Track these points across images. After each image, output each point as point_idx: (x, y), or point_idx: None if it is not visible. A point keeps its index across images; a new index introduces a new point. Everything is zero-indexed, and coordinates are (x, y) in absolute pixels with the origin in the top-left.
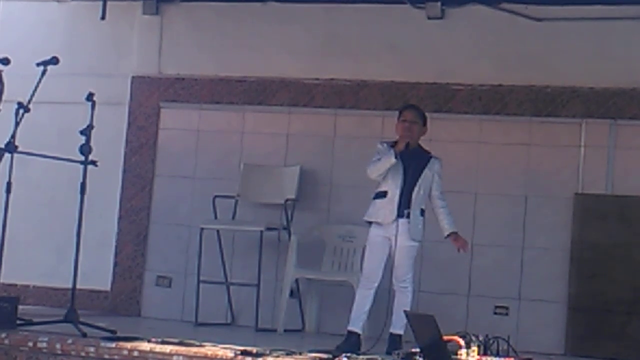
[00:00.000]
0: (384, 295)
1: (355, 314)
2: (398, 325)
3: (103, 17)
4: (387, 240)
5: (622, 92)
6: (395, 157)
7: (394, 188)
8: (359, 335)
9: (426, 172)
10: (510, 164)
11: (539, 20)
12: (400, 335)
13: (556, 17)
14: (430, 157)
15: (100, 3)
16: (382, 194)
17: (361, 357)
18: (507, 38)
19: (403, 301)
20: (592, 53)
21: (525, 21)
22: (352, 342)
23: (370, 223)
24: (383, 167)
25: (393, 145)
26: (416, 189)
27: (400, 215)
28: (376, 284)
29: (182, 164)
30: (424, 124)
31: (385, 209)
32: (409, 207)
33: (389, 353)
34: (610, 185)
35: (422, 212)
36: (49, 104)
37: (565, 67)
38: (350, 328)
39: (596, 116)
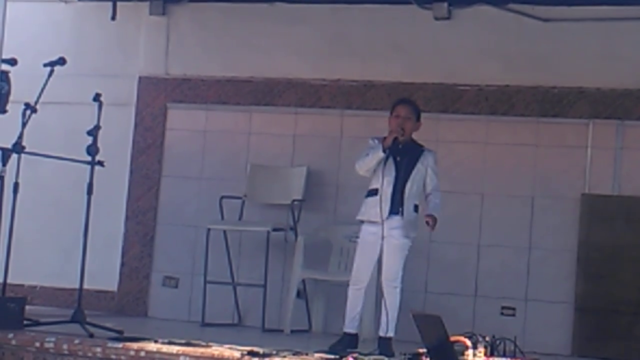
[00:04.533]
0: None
1: (349, 315)
2: (389, 328)
3: (113, 18)
4: (380, 239)
5: (629, 93)
6: (384, 152)
7: (385, 185)
8: (354, 335)
9: (419, 166)
10: (517, 164)
11: (545, 20)
12: (391, 339)
13: (563, 18)
14: (423, 150)
15: (108, 4)
16: (374, 192)
17: (368, 357)
18: (514, 39)
19: (393, 303)
20: (599, 54)
21: (532, 22)
22: (346, 342)
23: (362, 222)
24: (371, 162)
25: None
26: (409, 184)
27: (393, 212)
28: (366, 283)
29: (189, 164)
30: (418, 119)
31: (377, 207)
32: (402, 204)
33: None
34: (617, 186)
35: (416, 207)
36: (56, 105)
37: (572, 67)
38: (346, 330)
39: (603, 117)
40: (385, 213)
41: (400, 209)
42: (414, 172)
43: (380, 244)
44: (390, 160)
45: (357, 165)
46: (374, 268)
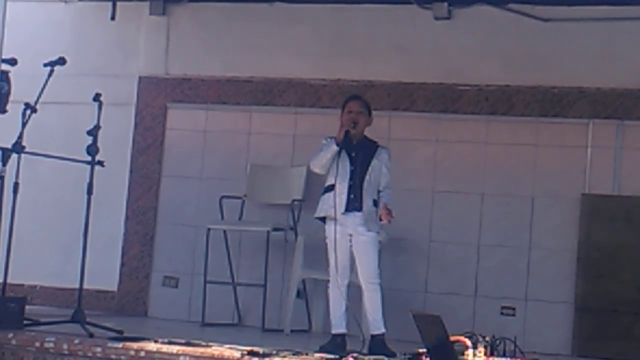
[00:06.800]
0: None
1: (334, 316)
2: (377, 326)
3: (113, 18)
4: (347, 235)
5: (629, 93)
6: (337, 145)
7: (341, 181)
8: (343, 335)
9: (374, 162)
10: (517, 164)
11: (546, 20)
12: (382, 334)
13: (563, 18)
14: (378, 146)
15: (108, 4)
16: (330, 188)
17: (368, 357)
18: (514, 38)
19: (375, 299)
20: (599, 53)
21: (532, 22)
22: (337, 343)
23: (322, 220)
24: (324, 157)
25: None
26: (366, 180)
27: (354, 208)
28: (347, 281)
29: (189, 164)
30: (369, 113)
31: (334, 202)
32: (361, 200)
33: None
34: (617, 186)
35: (375, 202)
36: (56, 105)
37: (572, 67)
38: (335, 331)
39: (603, 117)
40: (342, 208)
41: (360, 205)
42: (370, 168)
43: (347, 239)
44: (345, 156)
45: (312, 163)
46: (353, 264)
